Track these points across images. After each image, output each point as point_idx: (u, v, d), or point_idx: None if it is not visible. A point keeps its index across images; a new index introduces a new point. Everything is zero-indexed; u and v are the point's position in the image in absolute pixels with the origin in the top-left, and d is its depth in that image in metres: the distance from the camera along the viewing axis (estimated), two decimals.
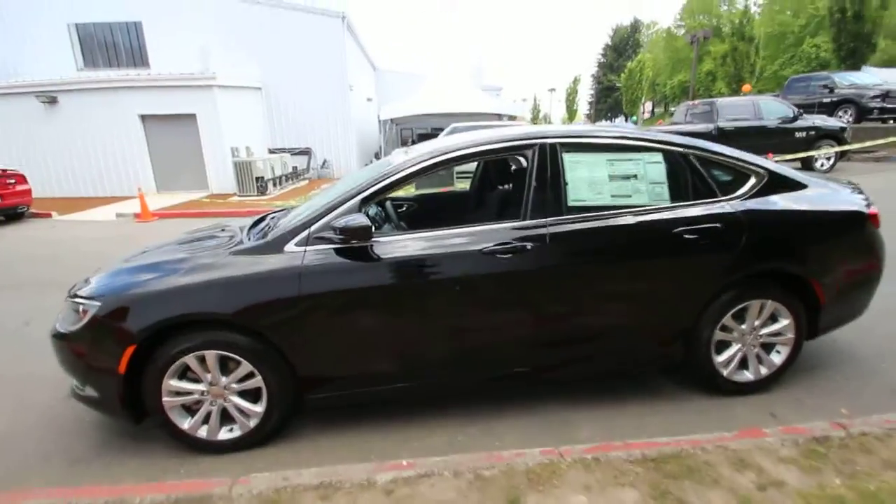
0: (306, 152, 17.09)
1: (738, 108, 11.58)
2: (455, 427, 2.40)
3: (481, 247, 2.17)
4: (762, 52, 28.06)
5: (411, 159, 2.30)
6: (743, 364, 2.54)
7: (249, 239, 2.35)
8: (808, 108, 12.93)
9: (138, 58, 16.66)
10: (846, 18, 18.56)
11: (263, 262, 2.11)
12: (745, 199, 2.40)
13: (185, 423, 2.20)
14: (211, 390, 2.18)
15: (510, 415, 2.49)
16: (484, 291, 2.21)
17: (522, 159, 2.43)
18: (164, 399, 2.14)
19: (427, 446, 2.26)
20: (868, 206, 2.56)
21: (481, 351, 2.30)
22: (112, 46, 16.81)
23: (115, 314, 2.08)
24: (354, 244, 2.11)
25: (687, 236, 2.27)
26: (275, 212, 3.04)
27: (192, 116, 13.82)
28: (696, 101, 13.27)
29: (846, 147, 10.95)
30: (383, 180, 2.23)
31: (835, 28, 19.50)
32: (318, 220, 2.16)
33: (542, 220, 2.23)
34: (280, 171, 14.06)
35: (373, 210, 3.02)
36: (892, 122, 13.58)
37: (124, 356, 2.06)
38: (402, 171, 2.25)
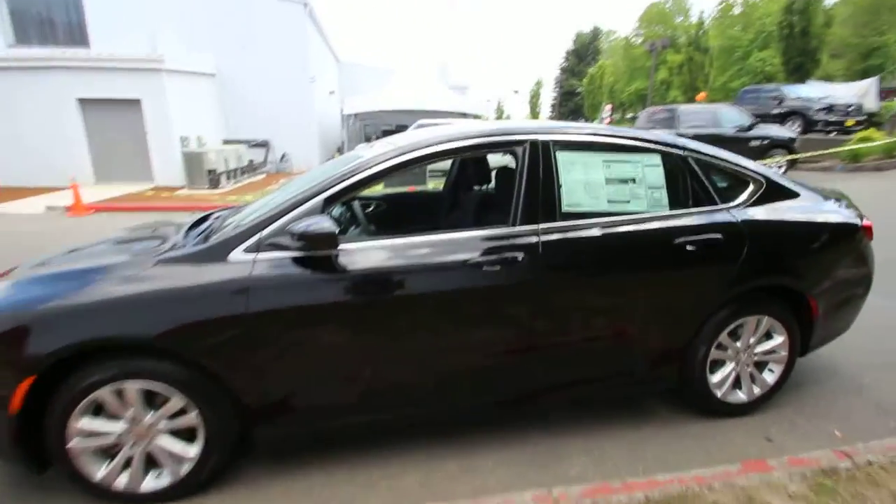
0: (264, 145, 16.26)
1: (699, 116, 11.88)
2: (431, 463, 2.10)
3: (466, 257, 1.88)
4: (714, 63, 29.31)
5: (384, 153, 1.97)
6: (736, 384, 2.38)
7: (186, 242, 1.96)
8: (761, 118, 13.46)
9: (77, 36, 15.25)
10: (794, 34, 19.56)
11: (200, 272, 1.72)
12: (744, 208, 2.23)
13: (100, 471, 1.78)
14: (133, 430, 1.78)
15: (492, 446, 2.21)
16: (468, 308, 1.92)
17: (503, 157, 2.16)
18: (72, 443, 1.72)
19: (399, 489, 1.95)
20: (861, 217, 2.46)
21: (464, 376, 2.01)
22: (48, 22, 15.32)
23: (8, 336, 1.64)
24: (316, 253, 1.77)
25: (689, 247, 2.07)
26: (222, 210, 2.63)
27: (137, 102, 12.79)
28: (659, 108, 13.54)
29: (796, 156, 11.43)
30: (351, 176, 1.89)
31: (783, 43, 20.52)
32: (272, 223, 1.80)
33: (534, 227, 1.96)
34: (235, 163, 13.26)
35: (337, 210, 2.67)
36: (834, 133, 14.35)
37: (19, 389, 1.63)
38: (373, 166, 1.92)
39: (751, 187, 2.29)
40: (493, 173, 2.63)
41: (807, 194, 2.45)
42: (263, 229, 1.78)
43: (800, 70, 20.07)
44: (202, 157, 11.58)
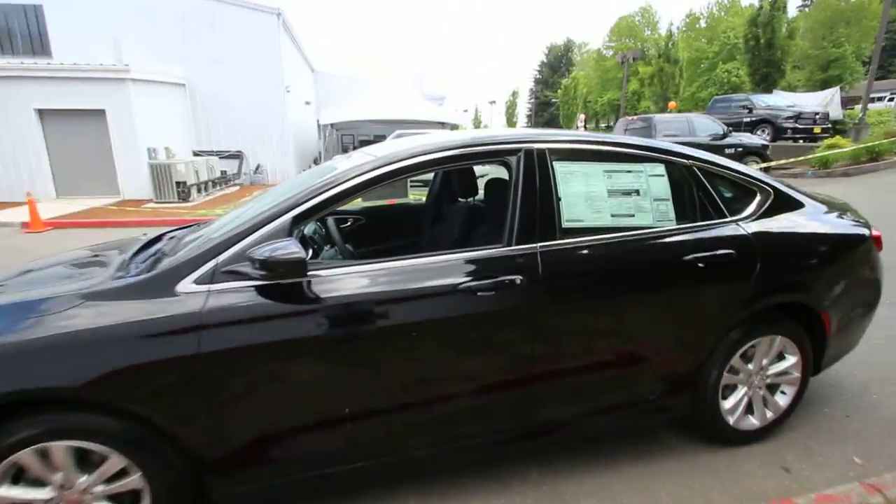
0: (237, 156, 15.78)
1: (674, 125, 12.04)
2: None
3: (457, 282, 1.66)
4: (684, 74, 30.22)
5: (361, 165, 1.74)
6: (748, 409, 2.20)
7: (129, 271, 1.68)
8: (732, 127, 13.74)
9: (38, 46, 14.62)
10: (760, 45, 20.21)
11: (140, 308, 1.45)
12: (753, 221, 2.07)
13: None
14: (63, 496, 1.48)
15: (490, 488, 1.97)
16: (461, 339, 1.70)
17: (490, 167, 1.96)
18: None
19: None
20: (869, 227, 2.34)
21: (459, 415, 1.78)
22: (6, 32, 14.64)
23: None
24: (283, 281, 1.52)
25: (700, 265, 1.89)
26: (177, 229, 2.34)
27: (101, 112, 12.21)
28: (634, 117, 13.70)
29: (768, 164, 11.66)
30: (325, 191, 1.65)
31: (749, 54, 21.21)
32: (230, 247, 1.53)
33: (533, 246, 1.75)
34: (206, 175, 12.76)
35: (310, 227, 2.41)
36: (801, 141, 14.77)
37: None
38: (349, 180, 1.68)
39: (758, 198, 2.14)
40: (483, 184, 2.42)
41: (811, 204, 2.31)
42: (219, 255, 1.52)
43: (766, 80, 20.75)
44: (170, 168, 11.10)
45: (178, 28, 14.74)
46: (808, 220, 2.20)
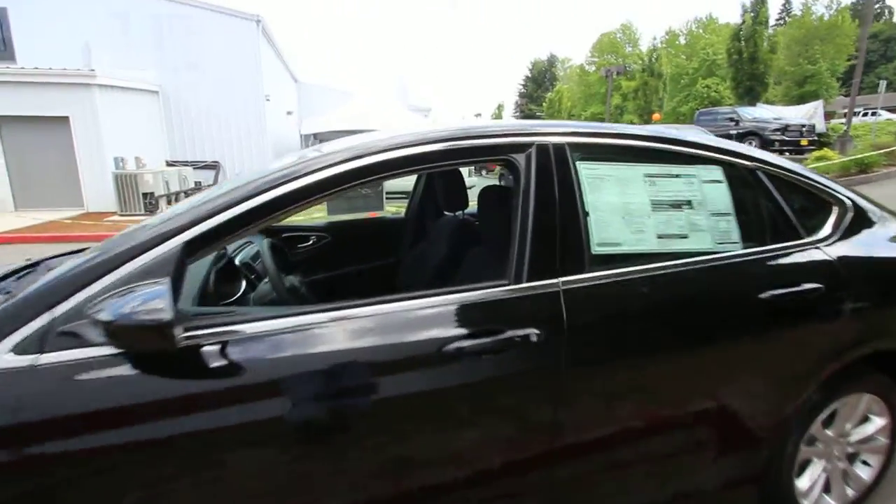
0: (213, 166, 15.08)
1: None
2: None
3: (441, 338, 1.11)
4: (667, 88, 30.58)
5: (315, 160, 1.19)
6: (825, 487, 1.69)
7: None
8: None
9: (1, 50, 13.85)
10: (743, 59, 20.36)
11: None
12: (835, 242, 1.57)
13: None
14: None
15: None
16: (448, 424, 1.15)
17: (483, 171, 1.44)
18: None
19: None
20: None
21: None
22: None
23: None
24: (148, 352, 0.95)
25: (779, 304, 1.37)
26: (52, 258, 1.74)
27: (65, 119, 11.50)
28: None
29: None
30: (244, 202, 1.08)
31: (733, 68, 21.37)
32: (72, 294, 0.96)
33: (552, 283, 1.21)
34: (178, 185, 12.05)
35: (251, 250, 1.83)
36: (788, 153, 14.68)
37: None
38: (292, 180, 1.12)
39: (835, 213, 1.64)
40: (478, 193, 1.86)
41: (880, 217, 1.83)
42: (56, 306, 0.94)
43: (750, 93, 20.87)
44: (137, 179, 10.40)
45: (152, 34, 14.17)
46: (889, 240, 1.71)
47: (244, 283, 1.55)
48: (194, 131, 15.05)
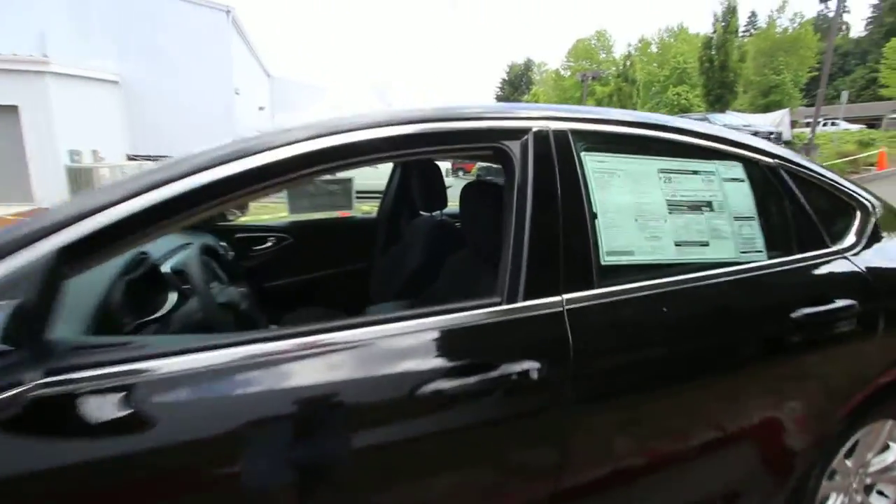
0: None
1: None
2: None
3: (417, 376, 0.86)
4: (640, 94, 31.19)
5: (268, 141, 0.92)
6: None
7: None
8: None
9: None
10: (714, 67, 20.86)
11: None
12: (862, 251, 1.39)
13: None
14: None
15: None
16: (429, 479, 0.90)
17: (479, 163, 1.20)
18: None
19: None
20: None
21: None
22: None
23: None
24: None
25: (811, 323, 1.18)
26: None
27: (14, 109, 10.72)
28: None
29: None
30: (153, 189, 0.80)
31: (704, 76, 21.86)
32: None
33: (555, 301, 0.98)
34: None
35: (180, 258, 1.53)
36: None
37: None
38: (225, 162, 0.87)
39: (858, 218, 1.47)
40: (460, 191, 1.61)
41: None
42: None
43: (720, 101, 21.39)
44: (91, 173, 9.77)
45: (114, 22, 13.42)
46: None
47: (175, 296, 1.26)
48: (158, 124, 14.31)
